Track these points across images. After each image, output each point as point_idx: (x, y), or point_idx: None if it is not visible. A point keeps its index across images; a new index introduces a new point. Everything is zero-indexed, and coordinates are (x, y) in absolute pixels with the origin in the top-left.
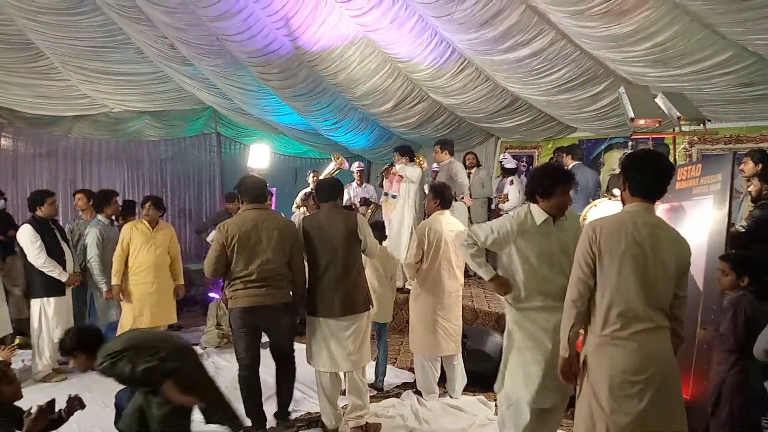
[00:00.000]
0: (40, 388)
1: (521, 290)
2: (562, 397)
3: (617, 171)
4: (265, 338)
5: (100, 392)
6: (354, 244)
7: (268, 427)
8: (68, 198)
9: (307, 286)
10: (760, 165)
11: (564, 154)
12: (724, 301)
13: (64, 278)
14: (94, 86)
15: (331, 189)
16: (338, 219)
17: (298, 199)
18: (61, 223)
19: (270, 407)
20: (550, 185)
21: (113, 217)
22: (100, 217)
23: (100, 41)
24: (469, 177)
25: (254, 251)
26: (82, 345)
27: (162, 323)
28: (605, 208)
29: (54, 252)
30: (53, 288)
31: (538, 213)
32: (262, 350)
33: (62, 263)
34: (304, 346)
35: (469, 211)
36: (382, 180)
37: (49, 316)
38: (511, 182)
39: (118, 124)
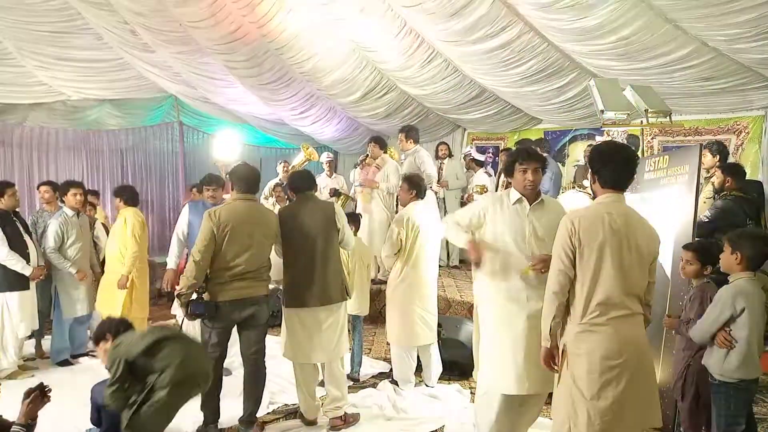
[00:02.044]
0: (6, 386)
1: (494, 265)
2: (542, 384)
3: (582, 162)
4: None
5: (70, 388)
6: (332, 234)
7: (231, 425)
8: (24, 189)
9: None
10: (718, 156)
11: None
12: (691, 288)
13: (27, 272)
14: (50, 73)
15: (305, 180)
16: (316, 209)
17: (266, 190)
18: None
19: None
20: (509, 163)
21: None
22: (65, 208)
23: (58, 26)
24: (441, 168)
25: (245, 244)
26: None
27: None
28: (570, 198)
29: (17, 245)
30: (16, 282)
31: (513, 193)
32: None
33: (26, 256)
34: (277, 337)
35: (444, 202)
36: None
37: (12, 311)
38: (489, 174)
39: (76, 113)
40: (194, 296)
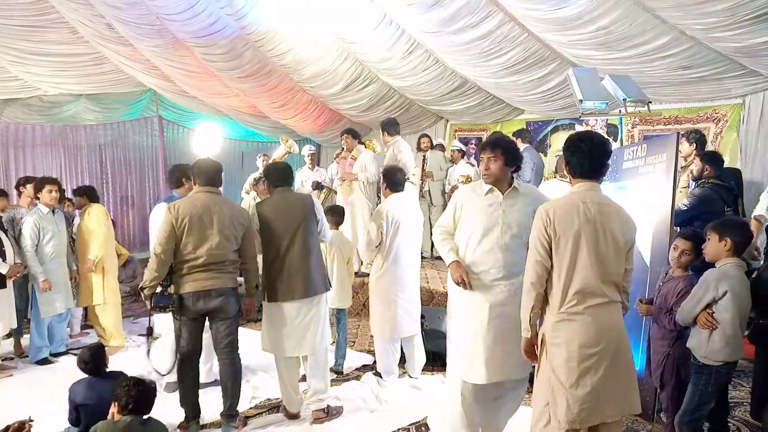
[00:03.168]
0: None
1: (464, 261)
2: (504, 372)
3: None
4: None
5: (48, 387)
6: (312, 226)
7: (213, 421)
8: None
9: (261, 272)
10: (695, 145)
11: (514, 138)
12: (663, 275)
13: (4, 270)
14: (25, 68)
15: (282, 173)
16: (294, 201)
17: (247, 184)
18: None
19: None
20: (477, 152)
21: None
22: (40, 205)
23: (31, 20)
24: (425, 160)
25: (204, 235)
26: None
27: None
28: (553, 187)
29: None
30: None
31: (486, 184)
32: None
33: (1, 254)
34: (259, 332)
35: (430, 194)
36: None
37: None
38: (471, 164)
39: (52, 108)
40: (159, 289)
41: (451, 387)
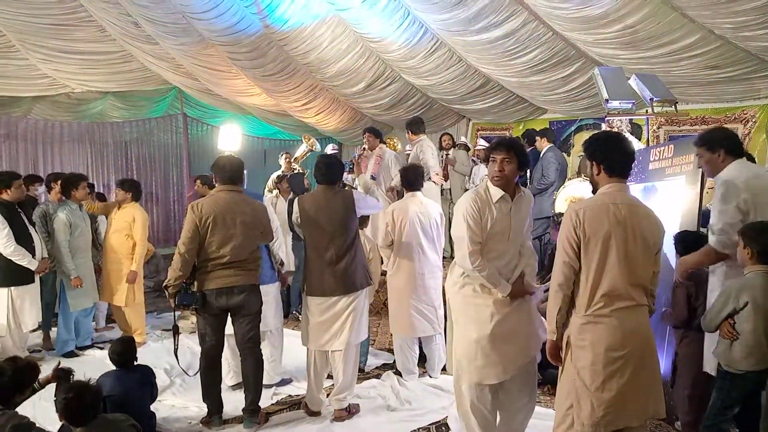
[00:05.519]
0: None
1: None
2: (512, 367)
3: None
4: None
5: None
6: (353, 223)
7: (235, 416)
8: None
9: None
10: None
11: (538, 137)
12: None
13: (33, 266)
14: (54, 66)
15: (328, 170)
16: (335, 198)
17: (270, 182)
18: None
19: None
20: (486, 154)
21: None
22: (68, 201)
23: (61, 18)
24: (447, 158)
25: (228, 234)
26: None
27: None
28: (576, 188)
29: (23, 238)
30: (22, 276)
31: (495, 190)
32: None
33: (31, 250)
34: (291, 330)
35: (450, 194)
36: (351, 168)
37: (17, 305)
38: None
39: (80, 105)
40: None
41: (457, 390)
